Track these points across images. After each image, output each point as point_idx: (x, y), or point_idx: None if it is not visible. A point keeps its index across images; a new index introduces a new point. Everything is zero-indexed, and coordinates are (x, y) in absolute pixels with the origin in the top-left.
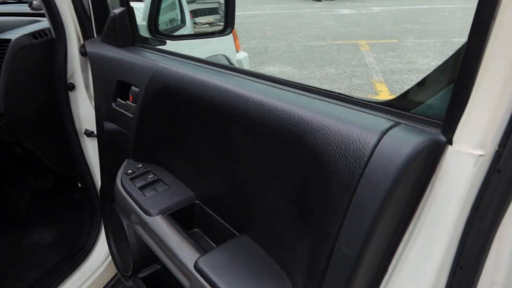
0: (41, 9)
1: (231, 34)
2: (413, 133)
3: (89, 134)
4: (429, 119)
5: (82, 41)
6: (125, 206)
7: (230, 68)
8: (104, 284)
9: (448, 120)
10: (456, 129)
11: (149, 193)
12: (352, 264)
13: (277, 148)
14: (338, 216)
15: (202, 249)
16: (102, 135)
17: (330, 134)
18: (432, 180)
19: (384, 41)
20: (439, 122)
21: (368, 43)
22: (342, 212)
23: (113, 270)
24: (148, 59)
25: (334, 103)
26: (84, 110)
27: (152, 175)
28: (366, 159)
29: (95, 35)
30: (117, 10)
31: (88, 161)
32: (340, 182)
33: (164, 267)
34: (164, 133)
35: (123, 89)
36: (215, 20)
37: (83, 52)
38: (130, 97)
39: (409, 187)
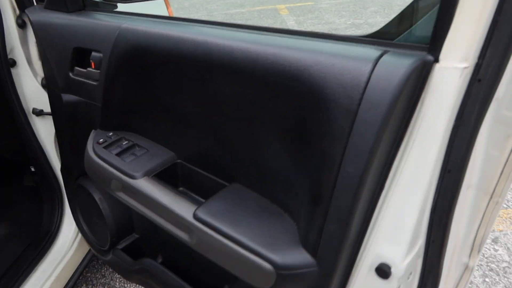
0: None
1: (163, 2)
2: (403, 57)
3: (38, 113)
4: (413, 45)
5: (18, 12)
6: (103, 175)
7: (202, 21)
8: (77, 265)
9: (434, 40)
10: (442, 47)
11: (128, 158)
12: (358, 182)
13: (269, 92)
14: (342, 141)
15: (197, 202)
16: (60, 110)
17: (325, 68)
18: (422, 96)
19: (301, 4)
20: (423, 45)
21: (287, 7)
22: (345, 136)
23: (84, 250)
24: (108, 21)
25: (320, 41)
26: (29, 88)
27: (126, 142)
28: (363, 85)
29: (35, 3)
30: None
31: (40, 142)
32: (341, 109)
33: (143, 236)
34: (135, 97)
35: (80, 57)
36: None
37: (21, 24)
38: (92, 64)
39: (403, 105)
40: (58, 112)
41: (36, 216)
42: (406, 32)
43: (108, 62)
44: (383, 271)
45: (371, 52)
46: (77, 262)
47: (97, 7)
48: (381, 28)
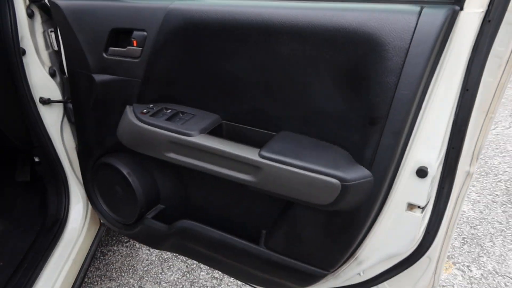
0: None
1: None
2: (439, 8)
3: (45, 101)
4: (441, 0)
5: (28, 2)
6: (155, 139)
7: None
8: (88, 248)
9: None
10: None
11: (178, 122)
12: (411, 100)
13: (327, 45)
14: (397, 71)
15: (255, 147)
16: (90, 90)
17: (379, 21)
18: (451, 35)
19: None
20: (451, 0)
21: None
22: (400, 67)
23: (92, 234)
24: (150, 3)
25: (366, 4)
26: (37, 76)
27: (169, 110)
28: (413, 29)
29: None
30: None
31: (48, 130)
32: (396, 48)
33: (168, 205)
34: (181, 69)
35: (115, 38)
36: None
37: (30, 14)
38: (134, 42)
39: (440, 42)
40: (86, 93)
41: (38, 206)
42: None
43: (156, 38)
44: (423, 171)
45: (414, 8)
46: (88, 245)
47: None
48: None
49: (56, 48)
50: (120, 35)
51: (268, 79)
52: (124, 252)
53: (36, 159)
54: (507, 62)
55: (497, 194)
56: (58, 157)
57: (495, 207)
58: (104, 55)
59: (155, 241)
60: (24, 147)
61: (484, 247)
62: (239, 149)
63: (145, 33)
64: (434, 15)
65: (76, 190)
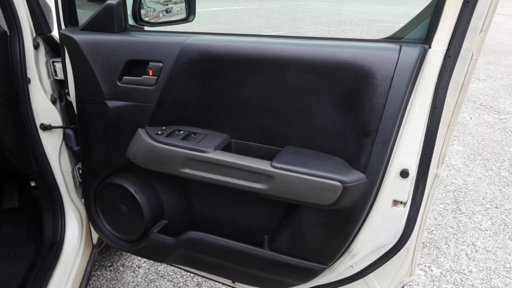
0: None
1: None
2: (413, 47)
3: (45, 127)
4: (415, 41)
5: (34, 35)
6: (171, 157)
7: (249, 35)
8: (84, 267)
9: (428, 38)
10: (432, 41)
11: (193, 141)
12: (396, 116)
13: (328, 74)
14: (384, 93)
15: (268, 158)
16: (102, 115)
17: (370, 56)
18: (423, 67)
19: None
20: (420, 41)
21: None
22: (387, 90)
23: (87, 254)
24: (166, 38)
25: (355, 42)
26: (40, 104)
27: (182, 131)
28: (395, 62)
29: (63, 27)
30: (114, 1)
31: (47, 155)
32: (383, 76)
33: (171, 220)
34: (193, 95)
35: (130, 68)
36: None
37: (36, 45)
38: (150, 71)
39: (415, 71)
40: (96, 118)
41: (25, 232)
42: (409, 34)
43: (171, 68)
44: (405, 172)
45: (395, 46)
46: (84, 266)
47: (133, 29)
48: (394, 33)
49: (58, 77)
50: (134, 66)
51: (274, 103)
52: (109, 276)
53: (33, 184)
54: (462, 86)
55: (447, 203)
56: (56, 181)
57: (447, 214)
58: (118, 83)
59: (160, 255)
60: (24, 172)
61: (440, 249)
62: (252, 162)
63: (161, 64)
64: (410, 52)
65: (71, 213)
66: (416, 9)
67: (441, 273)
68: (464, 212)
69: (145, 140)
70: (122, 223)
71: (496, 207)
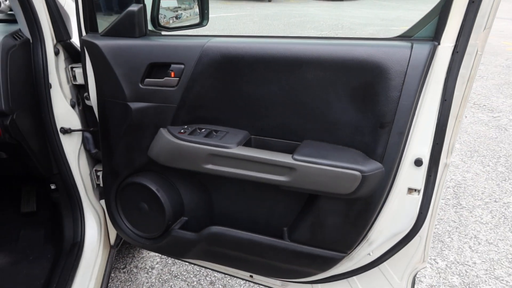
0: (7, 11)
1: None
2: (424, 44)
3: (65, 131)
4: (426, 38)
5: (55, 41)
6: (195, 153)
7: (273, 37)
8: (104, 268)
9: (437, 35)
10: (441, 37)
11: (215, 138)
12: (410, 107)
13: (344, 71)
14: (398, 87)
15: (288, 152)
16: (124, 117)
17: (384, 53)
18: (433, 63)
19: None
20: (430, 38)
21: None
22: (401, 84)
23: (106, 253)
24: (186, 41)
25: (369, 41)
26: (60, 108)
27: (203, 129)
28: (408, 58)
29: (84, 33)
30: (136, 7)
31: (67, 157)
32: (397, 72)
33: (191, 217)
34: (214, 94)
35: (151, 70)
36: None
37: (56, 52)
38: (172, 73)
39: (426, 67)
40: (118, 120)
41: (43, 235)
42: (419, 33)
43: (193, 70)
44: (419, 161)
45: (407, 43)
46: (104, 265)
47: (153, 34)
48: (405, 32)
49: (77, 82)
50: (155, 69)
51: (293, 100)
52: (123, 278)
53: (53, 186)
54: (468, 80)
55: (448, 198)
56: (75, 183)
57: (448, 209)
58: (140, 85)
59: (182, 251)
60: (45, 175)
61: (444, 243)
62: (274, 156)
63: (182, 66)
64: (421, 49)
65: (90, 214)
66: (406, 13)
67: (446, 265)
68: (465, 207)
69: (168, 138)
70: (144, 222)
71: (495, 201)
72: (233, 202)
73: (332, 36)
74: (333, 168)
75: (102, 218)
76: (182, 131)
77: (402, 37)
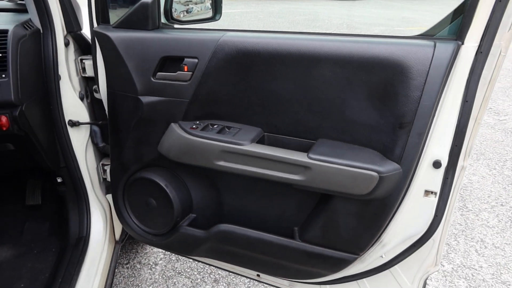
0: (17, 0)
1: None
2: (447, 43)
3: (74, 124)
4: (449, 37)
5: (65, 32)
6: (207, 149)
7: (289, 32)
8: (109, 263)
9: (461, 34)
10: (465, 37)
11: (228, 134)
12: (431, 108)
13: (363, 69)
14: (420, 87)
15: (302, 151)
16: (135, 111)
17: (406, 51)
18: (456, 62)
19: None
20: (454, 36)
21: None
22: (422, 84)
23: (111, 248)
24: (201, 35)
25: (391, 38)
26: (69, 101)
27: (216, 125)
28: (431, 57)
29: (96, 25)
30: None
31: (74, 151)
32: (419, 71)
33: (200, 214)
34: (228, 89)
35: (164, 64)
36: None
37: (66, 43)
38: (185, 67)
39: (449, 67)
40: (128, 113)
41: (47, 228)
42: (442, 31)
43: (207, 64)
44: (438, 163)
45: (429, 42)
46: (109, 260)
47: (165, 27)
48: (427, 30)
49: (87, 74)
50: (168, 62)
51: (309, 97)
52: (126, 273)
53: (59, 180)
54: (489, 81)
55: None
56: (82, 177)
57: (454, 212)
58: (152, 79)
59: (189, 248)
60: (53, 168)
61: (451, 245)
62: (289, 154)
63: (196, 60)
64: (445, 48)
65: (96, 208)
66: (412, 14)
67: (452, 268)
68: (471, 210)
69: (180, 134)
70: (151, 218)
71: (502, 204)
72: (243, 200)
73: (348, 33)
74: (350, 168)
75: (108, 213)
76: (194, 126)
77: (424, 35)
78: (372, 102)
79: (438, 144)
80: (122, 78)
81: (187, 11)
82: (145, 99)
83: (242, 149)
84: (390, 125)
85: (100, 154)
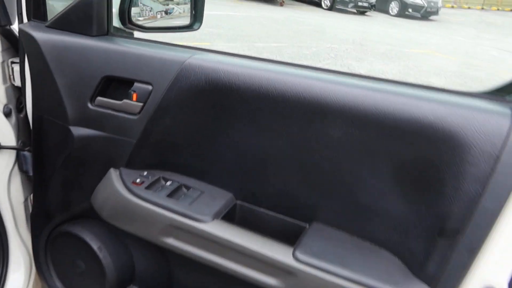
0: None
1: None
2: None
3: None
4: None
5: None
6: (150, 219)
7: (283, 62)
8: None
9: None
10: None
11: (183, 200)
12: (496, 216)
13: (393, 136)
14: (482, 180)
15: (286, 244)
16: (63, 144)
17: (463, 118)
18: None
19: (198, 43)
20: None
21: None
22: (486, 176)
23: None
24: (161, 52)
25: (439, 93)
26: None
27: (169, 182)
28: (505, 134)
29: (25, 20)
30: None
31: None
32: (483, 153)
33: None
34: (191, 133)
35: (106, 86)
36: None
37: None
38: (134, 95)
39: None
40: (55, 146)
41: None
42: None
43: (165, 95)
44: None
45: (505, 109)
46: None
47: (118, 34)
48: (497, 86)
49: (17, 83)
50: (112, 84)
51: (305, 161)
52: None
53: None
54: None
55: None
56: (1, 213)
57: None
58: (89, 105)
59: None
60: None
61: None
62: (267, 246)
63: (150, 86)
64: None
65: (18, 254)
66: (418, 36)
67: None
68: None
69: (117, 188)
70: (79, 283)
71: None
72: (200, 281)
73: (372, 76)
74: (355, 285)
75: (33, 261)
76: (138, 180)
77: (494, 94)
78: (400, 186)
79: (494, 265)
80: (49, 97)
81: (166, 12)
82: (78, 131)
83: (199, 229)
84: (425, 227)
85: (30, 184)
